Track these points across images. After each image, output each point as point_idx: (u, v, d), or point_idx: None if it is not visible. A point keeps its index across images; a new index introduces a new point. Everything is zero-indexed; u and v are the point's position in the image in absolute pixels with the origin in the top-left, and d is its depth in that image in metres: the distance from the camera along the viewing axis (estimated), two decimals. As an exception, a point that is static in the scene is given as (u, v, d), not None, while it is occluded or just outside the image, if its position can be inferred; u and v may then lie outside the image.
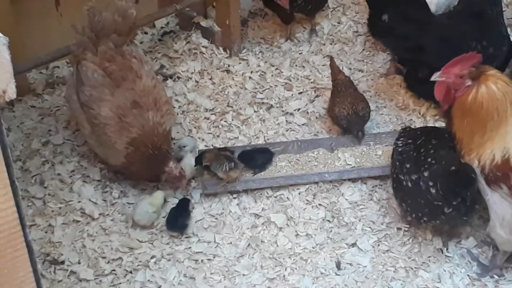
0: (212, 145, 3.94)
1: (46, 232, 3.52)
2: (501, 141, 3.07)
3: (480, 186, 3.17)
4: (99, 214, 3.61)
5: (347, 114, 3.92)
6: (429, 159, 3.27)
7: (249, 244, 3.50)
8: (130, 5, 3.61)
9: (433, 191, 3.21)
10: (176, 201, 3.65)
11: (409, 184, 3.32)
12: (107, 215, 3.63)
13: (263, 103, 4.28)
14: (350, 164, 3.82)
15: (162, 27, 4.78)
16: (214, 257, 3.44)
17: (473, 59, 3.15)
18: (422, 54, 3.99)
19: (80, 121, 3.63)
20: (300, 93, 4.35)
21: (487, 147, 3.09)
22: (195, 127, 4.11)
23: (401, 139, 3.57)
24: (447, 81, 3.19)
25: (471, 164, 3.14)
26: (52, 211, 3.61)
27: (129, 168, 3.62)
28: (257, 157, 3.81)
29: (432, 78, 3.23)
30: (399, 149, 3.51)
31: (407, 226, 3.56)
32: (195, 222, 3.59)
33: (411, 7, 4.05)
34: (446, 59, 3.25)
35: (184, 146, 3.82)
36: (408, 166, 3.37)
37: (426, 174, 3.25)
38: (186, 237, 3.52)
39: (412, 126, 3.98)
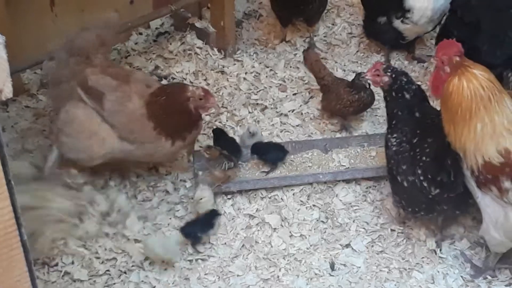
0: (207, 146, 3.92)
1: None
2: (476, 143, 3.01)
3: (471, 188, 3.17)
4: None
5: (346, 84, 4.03)
6: (424, 158, 3.28)
7: (243, 245, 3.50)
8: (106, 15, 3.69)
9: (425, 184, 3.26)
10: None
11: (404, 184, 3.35)
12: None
13: (257, 104, 4.29)
14: (344, 165, 3.82)
15: (156, 28, 4.78)
16: (208, 258, 3.45)
17: (451, 46, 3.12)
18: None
19: (104, 135, 3.52)
20: (295, 94, 4.36)
21: (468, 149, 3.04)
22: (189, 128, 4.11)
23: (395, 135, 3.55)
24: (435, 65, 3.22)
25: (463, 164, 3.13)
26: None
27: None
28: (271, 152, 3.82)
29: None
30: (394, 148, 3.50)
31: (401, 227, 3.58)
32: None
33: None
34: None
35: (254, 134, 3.88)
36: (404, 167, 3.39)
37: (419, 171, 3.26)
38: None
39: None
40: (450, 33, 3.90)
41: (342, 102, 4.01)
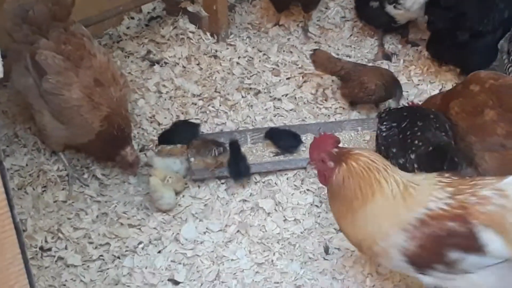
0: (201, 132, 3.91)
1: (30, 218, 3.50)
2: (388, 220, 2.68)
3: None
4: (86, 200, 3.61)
5: (381, 83, 3.99)
6: (416, 141, 3.27)
7: (237, 230, 3.49)
8: None
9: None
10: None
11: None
12: (95, 201, 3.62)
13: (250, 88, 4.27)
14: (338, 149, 3.81)
15: (148, 12, 4.74)
16: (202, 242, 3.43)
17: (325, 141, 2.85)
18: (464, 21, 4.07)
19: (37, 108, 3.58)
20: (288, 78, 4.34)
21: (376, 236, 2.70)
22: (182, 113, 4.10)
23: (385, 123, 3.55)
24: (316, 168, 2.91)
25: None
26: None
27: (90, 147, 3.65)
28: (284, 139, 3.82)
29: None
30: (384, 134, 3.50)
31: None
32: (184, 207, 3.58)
33: None
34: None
35: None
36: (394, 150, 3.38)
37: (412, 156, 3.25)
38: (174, 222, 3.51)
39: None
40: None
41: (365, 90, 4.01)
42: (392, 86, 4.01)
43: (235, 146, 3.69)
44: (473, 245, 2.56)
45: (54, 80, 3.45)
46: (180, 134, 3.81)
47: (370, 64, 4.31)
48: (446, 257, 2.61)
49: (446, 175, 2.73)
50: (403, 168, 3.26)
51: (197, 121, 3.96)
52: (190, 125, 3.88)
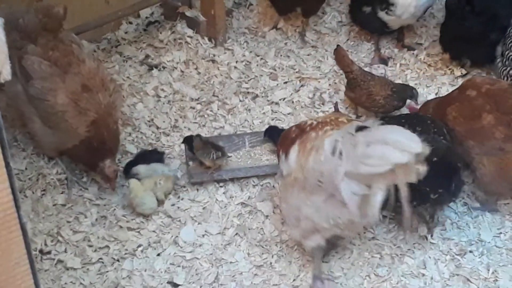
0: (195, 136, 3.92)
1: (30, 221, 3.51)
2: None
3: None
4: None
5: (391, 93, 4.01)
6: None
7: (236, 233, 3.51)
8: (52, 5, 3.61)
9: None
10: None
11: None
12: (94, 204, 3.64)
13: (248, 92, 4.29)
14: (336, 153, 3.83)
15: (146, 17, 4.77)
16: (201, 245, 3.45)
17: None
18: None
19: (28, 115, 3.59)
20: (285, 82, 4.37)
21: None
22: (181, 117, 4.12)
23: None
24: None
25: None
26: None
27: (74, 153, 3.63)
28: None
29: None
30: None
31: (392, 213, 3.58)
32: (183, 210, 3.60)
33: None
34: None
35: None
36: None
37: None
38: (173, 225, 3.53)
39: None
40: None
41: (373, 102, 4.05)
42: (403, 91, 4.03)
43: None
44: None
45: (40, 85, 3.44)
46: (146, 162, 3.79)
47: (378, 75, 4.29)
48: None
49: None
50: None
51: (162, 150, 3.93)
52: (154, 153, 3.87)
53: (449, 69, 4.46)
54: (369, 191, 2.78)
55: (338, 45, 4.29)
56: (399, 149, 2.60)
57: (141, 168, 3.72)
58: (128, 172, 3.73)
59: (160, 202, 3.61)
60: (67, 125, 3.47)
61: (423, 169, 2.64)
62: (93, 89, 3.49)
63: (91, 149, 3.52)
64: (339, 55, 4.19)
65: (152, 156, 3.83)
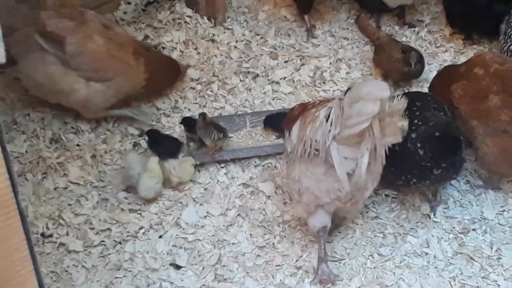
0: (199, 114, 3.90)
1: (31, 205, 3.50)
2: None
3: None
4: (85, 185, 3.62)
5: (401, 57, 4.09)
6: (416, 121, 3.25)
7: (238, 214, 3.50)
8: None
9: (421, 152, 3.20)
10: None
11: (397, 148, 3.32)
12: (95, 186, 3.63)
13: (248, 72, 4.27)
14: (337, 132, 3.81)
15: (145, -3, 4.74)
16: (203, 227, 3.44)
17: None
18: None
19: (69, 86, 3.64)
20: (286, 61, 4.34)
21: None
22: (181, 98, 4.10)
23: None
24: None
25: None
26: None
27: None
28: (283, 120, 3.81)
29: None
30: None
31: (395, 192, 3.58)
32: (184, 192, 3.59)
33: None
34: None
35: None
36: None
37: (413, 135, 3.22)
38: (174, 207, 3.52)
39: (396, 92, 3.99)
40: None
41: (392, 62, 4.12)
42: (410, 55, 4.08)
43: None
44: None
45: (75, 39, 3.54)
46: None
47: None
48: None
49: None
50: (405, 147, 3.25)
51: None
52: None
53: (451, 46, 4.43)
54: (358, 153, 2.84)
55: (359, 15, 4.34)
56: (371, 100, 2.65)
57: (152, 160, 3.59)
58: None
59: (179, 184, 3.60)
60: (121, 63, 3.67)
61: (406, 124, 2.73)
62: (111, 26, 3.74)
63: (157, 74, 3.81)
64: (363, 25, 4.29)
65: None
